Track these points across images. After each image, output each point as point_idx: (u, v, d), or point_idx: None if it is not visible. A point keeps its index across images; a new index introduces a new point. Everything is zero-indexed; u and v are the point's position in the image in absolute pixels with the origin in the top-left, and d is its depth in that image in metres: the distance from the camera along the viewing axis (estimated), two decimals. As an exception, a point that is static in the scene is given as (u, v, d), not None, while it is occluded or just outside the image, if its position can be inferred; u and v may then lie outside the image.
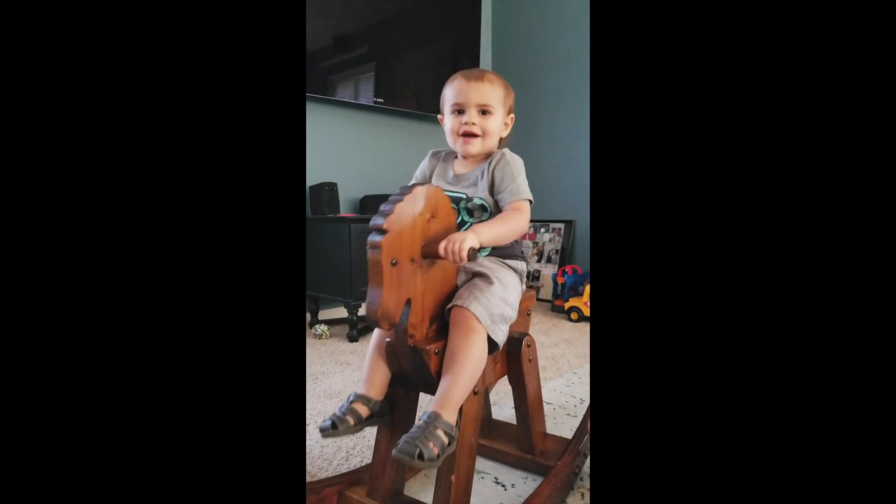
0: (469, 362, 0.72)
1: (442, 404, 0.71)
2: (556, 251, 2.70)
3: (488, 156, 0.89)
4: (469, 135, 0.85)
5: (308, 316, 2.25)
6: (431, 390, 0.77)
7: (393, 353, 0.76)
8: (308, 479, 0.97)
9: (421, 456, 0.64)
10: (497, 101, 0.86)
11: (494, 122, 0.86)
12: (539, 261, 2.76)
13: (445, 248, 0.68)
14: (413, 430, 0.68)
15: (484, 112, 0.85)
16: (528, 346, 0.90)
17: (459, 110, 0.86)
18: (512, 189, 0.83)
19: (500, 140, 0.91)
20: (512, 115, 0.91)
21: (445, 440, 0.67)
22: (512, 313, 0.81)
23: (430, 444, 0.66)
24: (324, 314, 2.33)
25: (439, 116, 0.92)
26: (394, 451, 0.65)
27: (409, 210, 0.68)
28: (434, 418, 0.69)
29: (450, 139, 0.89)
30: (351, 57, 2.34)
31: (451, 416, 0.70)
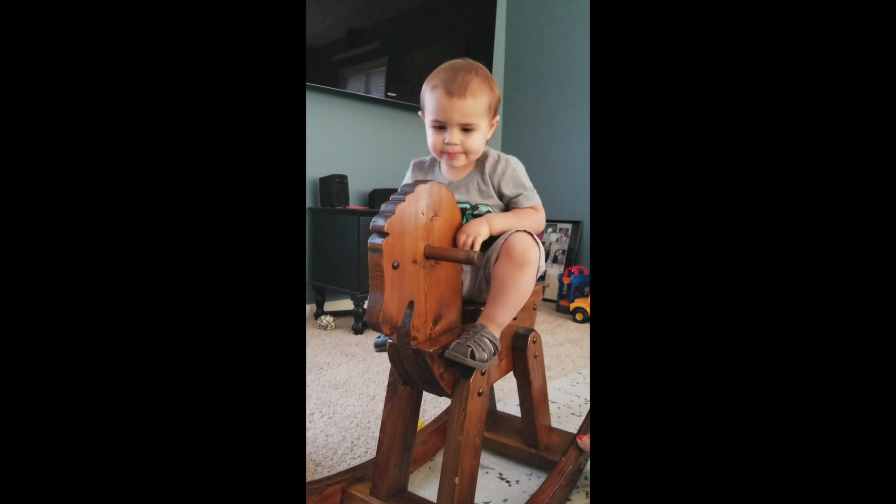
0: (518, 292, 0.77)
1: (487, 321, 0.77)
2: (563, 252, 2.69)
3: (478, 159, 0.87)
4: (452, 154, 0.81)
5: (314, 307, 2.26)
6: (436, 391, 0.77)
7: (396, 356, 0.75)
8: (312, 467, 0.98)
9: (473, 355, 0.70)
10: (480, 115, 0.79)
11: (478, 136, 0.81)
12: (545, 261, 2.74)
13: (461, 241, 0.73)
14: (461, 337, 0.73)
15: (466, 129, 0.79)
16: (534, 342, 0.90)
17: (441, 126, 0.80)
18: (527, 195, 0.86)
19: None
20: (497, 118, 0.85)
21: (492, 348, 0.74)
22: (543, 266, 0.84)
23: (481, 348, 0.71)
24: (329, 305, 2.34)
25: (420, 113, 0.86)
26: (446, 353, 0.71)
27: (412, 210, 0.66)
28: (482, 328, 0.75)
29: (433, 152, 0.85)
30: (364, 51, 2.34)
31: (495, 331, 0.77)
